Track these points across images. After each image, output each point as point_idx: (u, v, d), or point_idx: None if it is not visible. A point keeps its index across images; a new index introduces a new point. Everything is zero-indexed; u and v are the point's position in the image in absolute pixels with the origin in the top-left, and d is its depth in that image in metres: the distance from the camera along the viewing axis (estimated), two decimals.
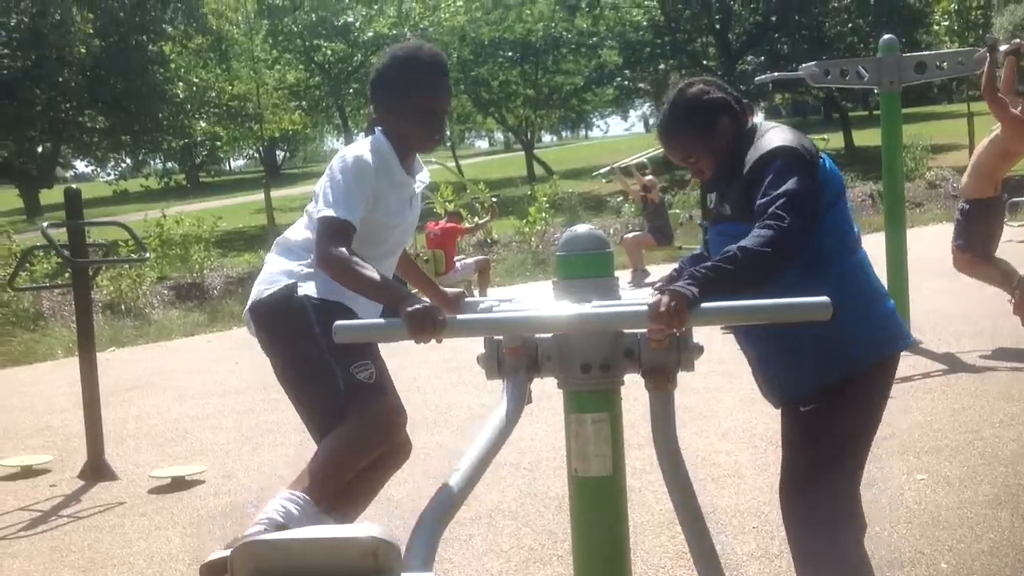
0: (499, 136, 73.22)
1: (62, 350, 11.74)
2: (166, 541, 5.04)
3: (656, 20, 39.29)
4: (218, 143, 33.52)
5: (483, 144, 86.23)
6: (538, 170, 39.08)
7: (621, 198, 20.48)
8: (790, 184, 2.73)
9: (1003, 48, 7.42)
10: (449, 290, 3.72)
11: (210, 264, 16.52)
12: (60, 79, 28.99)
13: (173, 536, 5.10)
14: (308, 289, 3.24)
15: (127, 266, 13.94)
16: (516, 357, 2.88)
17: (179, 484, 5.99)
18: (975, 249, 7.83)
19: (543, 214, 17.65)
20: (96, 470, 6.30)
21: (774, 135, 2.90)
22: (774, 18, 37.36)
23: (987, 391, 6.52)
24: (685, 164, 3.15)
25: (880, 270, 8.42)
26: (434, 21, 36.88)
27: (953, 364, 7.39)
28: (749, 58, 38.95)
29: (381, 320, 2.84)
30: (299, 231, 3.39)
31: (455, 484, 2.75)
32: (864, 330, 2.85)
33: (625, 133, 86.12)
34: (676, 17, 38.77)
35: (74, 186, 6.87)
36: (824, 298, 2.55)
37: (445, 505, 2.72)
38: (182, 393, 8.81)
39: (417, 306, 2.69)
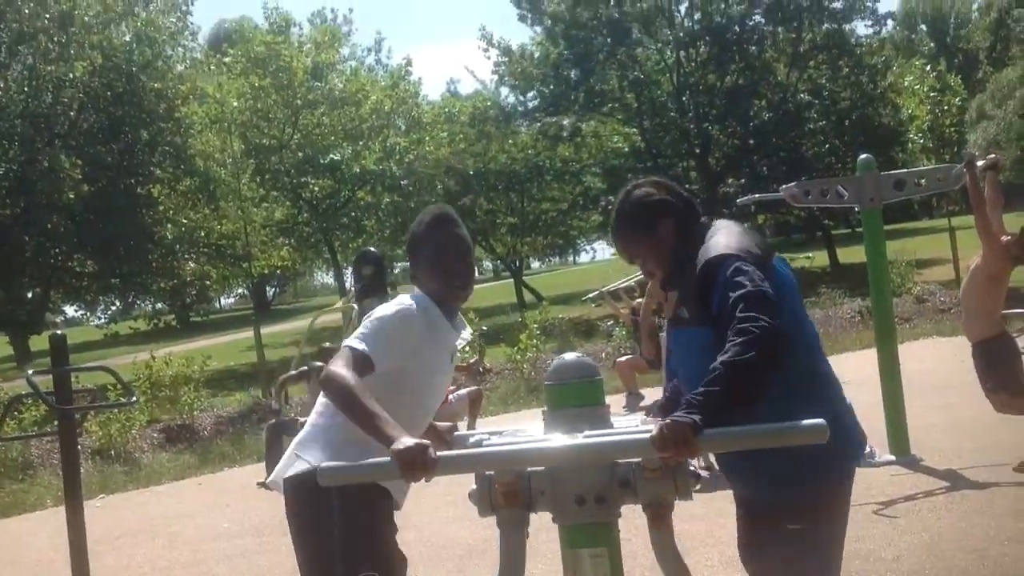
0: (488, 264, 73.78)
1: (51, 499, 11.52)
2: None
3: (637, 146, 40.04)
4: (207, 282, 33.60)
5: None
6: (528, 296, 39.25)
7: (612, 322, 20.50)
8: (747, 285, 2.70)
9: (980, 164, 7.52)
10: (439, 424, 3.66)
11: (200, 405, 16.37)
12: (49, 225, 29.22)
13: None
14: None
15: (116, 410, 13.80)
16: (509, 493, 2.82)
17: None
18: (1010, 388, 7.43)
19: (534, 341, 17.62)
20: None
21: (720, 238, 2.88)
22: (752, 141, 38.12)
23: (993, 508, 6.41)
24: (634, 264, 3.15)
25: (873, 386, 8.43)
26: (419, 155, 37.54)
27: (955, 481, 7.28)
28: (730, 180, 39.56)
29: (370, 461, 2.77)
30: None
31: None
32: (840, 439, 2.76)
33: (612, 257, 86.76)
34: (656, 143, 39.53)
35: (60, 332, 6.82)
36: (820, 421, 2.51)
37: None
38: (173, 539, 8.61)
39: (407, 444, 2.63)
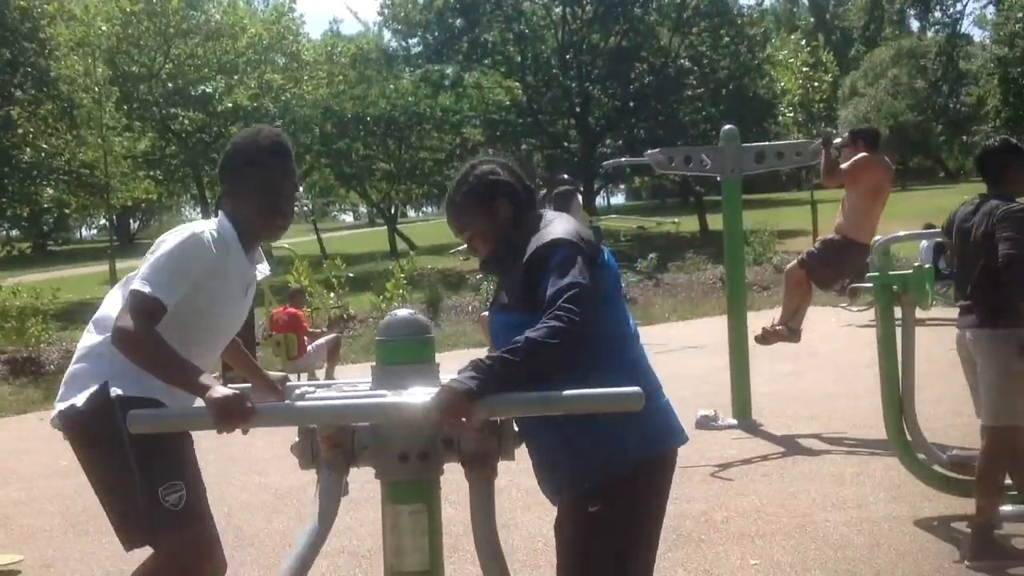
0: (363, 211, 73.03)
1: None
2: None
3: (519, 101, 40.04)
4: (66, 211, 32.37)
5: (348, 218, 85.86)
6: (402, 245, 39.03)
7: (480, 275, 20.56)
8: (574, 276, 2.71)
9: (836, 141, 7.73)
10: (272, 373, 3.59)
11: (47, 338, 15.79)
12: None
13: None
14: (120, 388, 3.04)
15: None
16: (330, 447, 2.78)
17: None
18: (809, 267, 7.68)
19: (400, 290, 17.54)
20: None
21: (556, 227, 2.89)
22: (632, 104, 38.52)
23: (821, 474, 6.66)
24: (461, 238, 3.14)
25: (725, 352, 8.65)
26: (296, 94, 36.75)
27: (790, 447, 7.55)
28: (608, 141, 39.97)
29: (181, 408, 2.70)
30: (116, 308, 3.17)
31: None
32: (644, 423, 2.79)
33: None
34: (538, 99, 39.60)
35: None
36: (635, 388, 2.54)
37: None
38: (7, 476, 8.31)
39: (222, 394, 2.56)
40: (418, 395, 2.59)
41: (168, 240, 3.09)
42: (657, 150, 8.78)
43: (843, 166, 7.38)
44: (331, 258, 20.55)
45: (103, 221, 55.05)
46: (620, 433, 2.75)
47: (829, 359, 11.67)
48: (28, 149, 29.15)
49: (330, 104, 37.58)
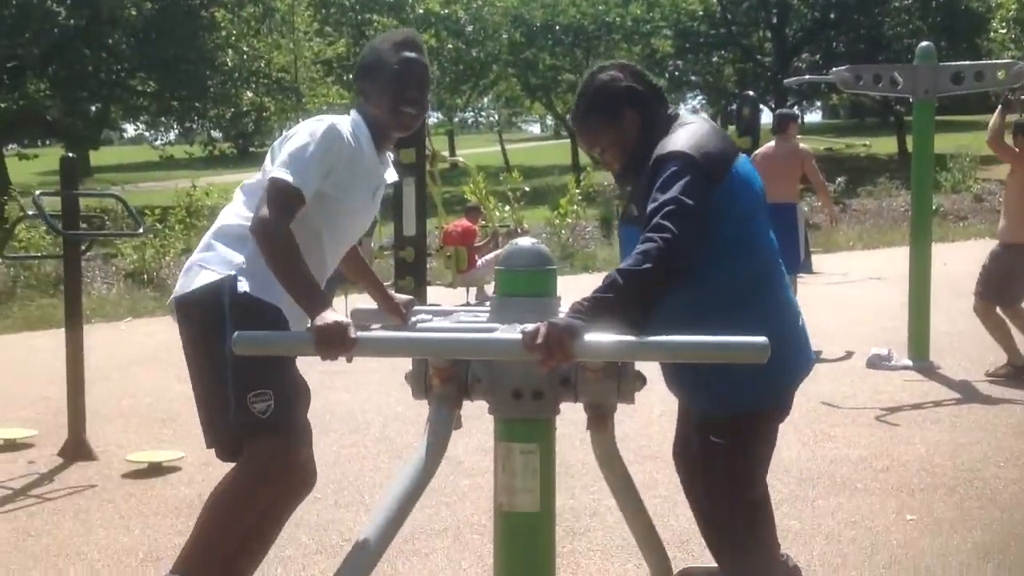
0: (550, 122, 72.75)
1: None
2: (126, 531, 4.91)
3: (712, 11, 38.73)
4: (265, 114, 33.49)
5: (535, 129, 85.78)
6: (585, 159, 38.76)
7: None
8: (677, 191, 2.53)
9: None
10: (398, 295, 3.53)
11: None
12: (111, 40, 29.09)
13: (135, 527, 4.97)
14: (244, 285, 3.00)
15: (151, 236, 13.90)
16: (442, 380, 2.71)
17: (155, 470, 5.87)
18: (1000, 300, 7.47)
19: (574, 206, 17.37)
20: (76, 449, 6.21)
21: (680, 135, 2.69)
22: (832, 15, 36.66)
23: (998, 425, 6.23)
24: (592, 154, 2.96)
25: (907, 287, 8.16)
26: (487, 1, 36.61)
27: (967, 393, 7.09)
28: (804, 55, 38.29)
29: (287, 333, 2.66)
30: (242, 211, 3.12)
31: (372, 537, 2.57)
32: (773, 363, 2.57)
33: None
34: (732, 9, 38.19)
35: (71, 155, 6.80)
36: (761, 340, 2.32)
37: (358, 566, 2.56)
38: (184, 371, 8.62)
39: (328, 320, 2.49)
40: (519, 331, 2.47)
41: (304, 128, 3.02)
42: (844, 67, 8.23)
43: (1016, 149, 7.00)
44: (511, 170, 20.53)
45: None
46: (747, 375, 2.54)
47: None
48: (230, 51, 30.20)
49: (520, 12, 37.30)
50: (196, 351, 3.09)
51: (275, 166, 2.92)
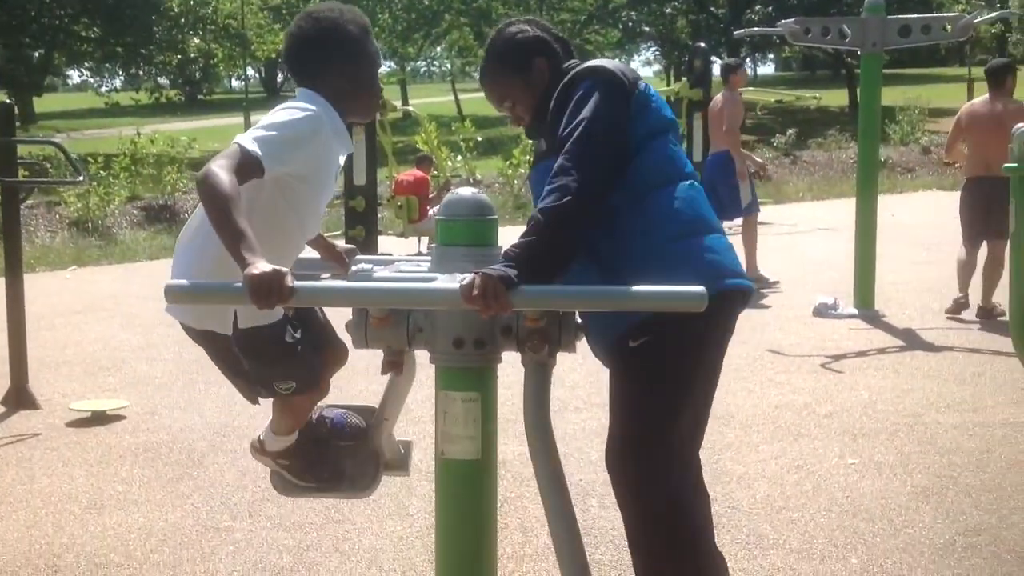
0: None
1: (26, 267, 11.51)
2: (69, 479, 4.86)
3: None
4: (212, 61, 32.97)
5: None
6: None
7: None
8: (592, 109, 2.53)
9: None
10: (340, 244, 3.48)
11: (183, 186, 16.18)
12: None
13: (78, 475, 4.93)
14: (241, 322, 2.98)
15: (95, 184, 13.66)
16: (382, 328, 2.68)
17: (99, 418, 5.80)
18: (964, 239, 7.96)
19: (528, 157, 17.29)
20: (18, 398, 6.14)
21: (586, 63, 2.68)
22: None
23: (939, 372, 6.34)
24: (502, 110, 2.93)
25: (850, 236, 8.25)
26: None
27: (911, 341, 7.20)
28: (757, 7, 38.26)
29: (218, 283, 2.60)
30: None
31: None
32: (690, 261, 2.61)
33: None
34: None
35: (7, 101, 6.62)
36: (700, 288, 2.32)
37: None
38: (130, 320, 8.59)
39: (263, 270, 2.43)
40: (458, 281, 2.44)
41: (289, 108, 2.94)
42: (792, 19, 8.24)
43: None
44: (464, 120, 20.37)
45: (253, 73, 56.10)
46: (674, 267, 2.53)
47: None
48: None
49: None
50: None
51: (247, 134, 2.82)
